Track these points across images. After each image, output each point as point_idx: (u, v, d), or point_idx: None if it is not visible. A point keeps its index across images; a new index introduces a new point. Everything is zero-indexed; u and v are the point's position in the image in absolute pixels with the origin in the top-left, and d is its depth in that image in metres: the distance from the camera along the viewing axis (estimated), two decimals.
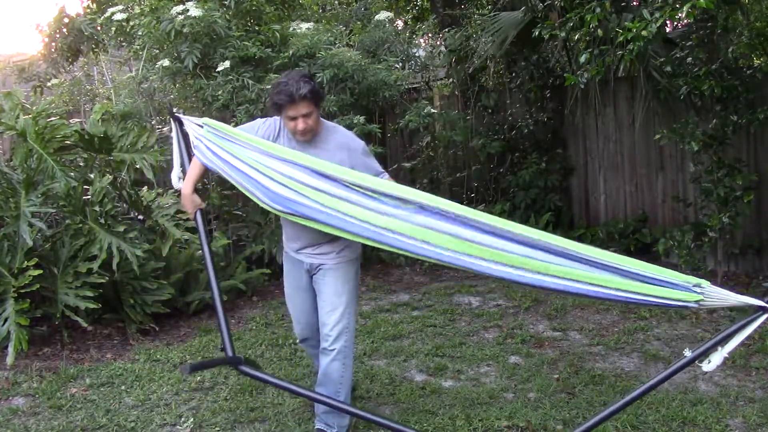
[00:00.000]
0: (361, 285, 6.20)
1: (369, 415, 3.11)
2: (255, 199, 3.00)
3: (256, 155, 3.01)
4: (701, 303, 2.44)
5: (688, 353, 2.57)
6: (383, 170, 3.21)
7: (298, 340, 3.56)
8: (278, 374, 4.09)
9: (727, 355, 2.48)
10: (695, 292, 2.43)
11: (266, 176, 2.96)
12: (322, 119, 3.15)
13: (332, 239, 3.10)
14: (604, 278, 2.55)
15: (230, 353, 3.03)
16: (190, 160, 3.21)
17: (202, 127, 3.18)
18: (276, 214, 3.08)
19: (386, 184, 2.92)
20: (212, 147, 3.11)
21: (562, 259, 2.59)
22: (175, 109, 3.33)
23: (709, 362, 2.49)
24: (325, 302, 3.17)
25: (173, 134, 3.27)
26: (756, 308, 2.41)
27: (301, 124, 2.98)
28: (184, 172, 3.23)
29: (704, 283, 2.45)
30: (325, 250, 3.17)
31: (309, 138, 3.07)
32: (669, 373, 2.65)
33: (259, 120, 3.22)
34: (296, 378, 4.00)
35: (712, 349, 2.51)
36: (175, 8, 5.63)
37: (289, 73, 3.18)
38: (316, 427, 3.29)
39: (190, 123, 3.23)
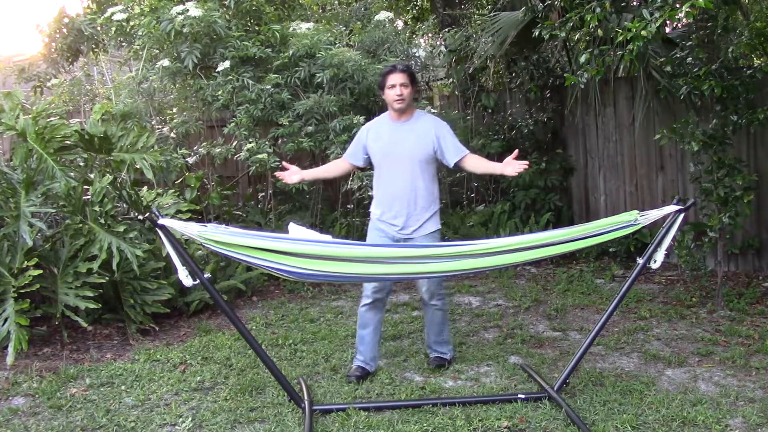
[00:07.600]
0: (361, 285, 6.19)
1: None
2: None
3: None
4: (638, 221, 3.29)
5: (640, 260, 3.43)
6: (465, 149, 3.93)
7: (367, 302, 4.03)
8: None
9: (666, 252, 3.36)
10: (634, 222, 3.29)
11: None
12: (416, 109, 3.94)
13: (420, 213, 3.83)
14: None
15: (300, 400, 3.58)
16: (184, 259, 3.22)
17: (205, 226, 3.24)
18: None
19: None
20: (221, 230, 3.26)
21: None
22: (154, 215, 3.23)
23: (655, 261, 3.37)
24: None
25: (164, 240, 3.25)
26: (675, 212, 3.31)
27: (398, 90, 3.74)
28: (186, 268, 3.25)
29: (634, 214, 3.31)
30: (413, 222, 3.84)
31: (403, 107, 3.80)
32: (627, 287, 3.49)
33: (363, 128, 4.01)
34: (295, 377, 4.00)
35: (655, 251, 3.38)
36: (175, 8, 5.63)
37: None
38: (433, 356, 4.11)
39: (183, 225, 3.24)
